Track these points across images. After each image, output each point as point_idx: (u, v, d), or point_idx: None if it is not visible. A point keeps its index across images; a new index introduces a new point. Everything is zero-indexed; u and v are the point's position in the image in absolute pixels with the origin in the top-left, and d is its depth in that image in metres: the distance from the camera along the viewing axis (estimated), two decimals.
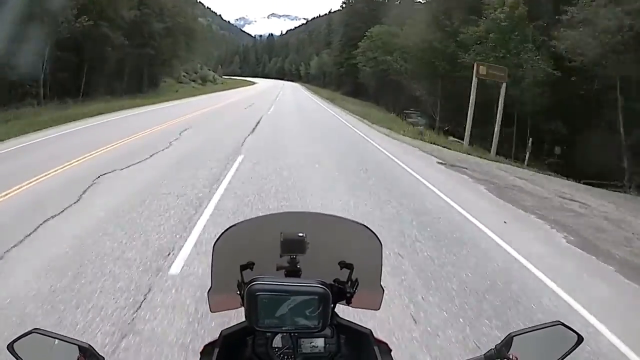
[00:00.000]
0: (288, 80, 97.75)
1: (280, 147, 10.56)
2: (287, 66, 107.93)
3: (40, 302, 3.06)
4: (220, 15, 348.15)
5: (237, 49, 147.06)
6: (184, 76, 48.74)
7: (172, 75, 42.27)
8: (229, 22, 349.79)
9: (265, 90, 47.28)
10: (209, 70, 69.45)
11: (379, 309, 1.05)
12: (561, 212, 7.05)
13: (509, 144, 18.11)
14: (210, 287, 0.99)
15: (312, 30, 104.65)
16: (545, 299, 3.73)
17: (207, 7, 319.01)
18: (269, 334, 0.96)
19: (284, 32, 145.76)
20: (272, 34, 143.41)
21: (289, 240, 0.90)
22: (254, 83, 73.92)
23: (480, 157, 13.80)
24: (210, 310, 1.04)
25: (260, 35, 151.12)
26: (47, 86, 17.85)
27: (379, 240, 0.99)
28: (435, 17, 22.76)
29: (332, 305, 0.87)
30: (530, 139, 16.02)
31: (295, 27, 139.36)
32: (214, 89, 45.28)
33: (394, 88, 29.38)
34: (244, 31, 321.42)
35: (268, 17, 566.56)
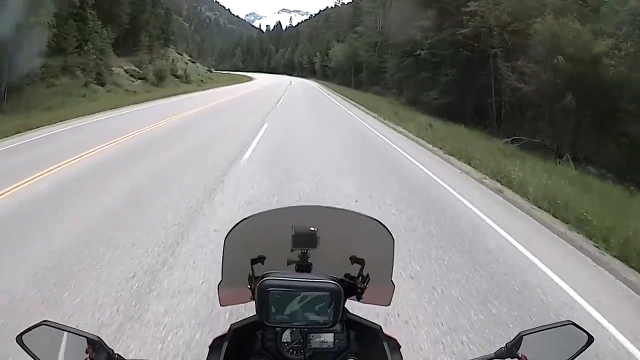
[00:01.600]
0: (298, 75, 76.87)
1: None
2: (297, 58, 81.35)
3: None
4: (229, 9, 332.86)
5: (239, 40, 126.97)
6: (124, 71, 29.71)
7: (87, 69, 23.42)
8: (238, 16, 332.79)
9: (247, 98, 23.66)
10: (190, 61, 50.85)
11: (389, 304, 1.02)
12: None
13: None
14: (221, 281, 0.96)
15: (329, 14, 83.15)
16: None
17: (216, 1, 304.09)
18: (278, 329, 0.94)
19: (293, 24, 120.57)
20: (280, 23, 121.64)
21: (300, 234, 0.88)
22: (250, 79, 54.96)
23: None
24: (220, 304, 1.00)
25: (267, 25, 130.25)
26: None
27: (391, 236, 0.96)
28: None
29: (343, 301, 0.83)
30: None
31: (305, 20, 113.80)
32: (166, 92, 25.82)
33: None
34: (253, 26, 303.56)
35: (278, 13, 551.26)
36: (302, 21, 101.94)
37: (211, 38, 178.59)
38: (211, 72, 58.75)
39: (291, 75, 79.53)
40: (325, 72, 58.71)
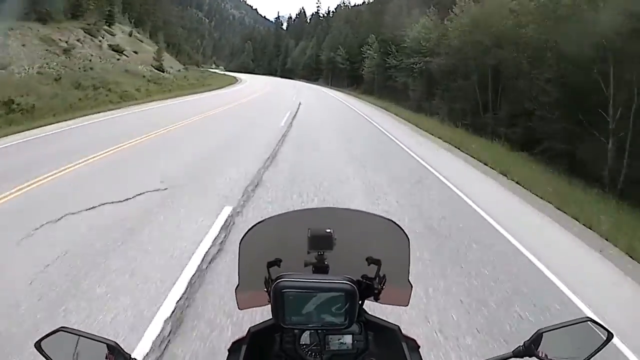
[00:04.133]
0: (325, 83, 48.17)
1: None
2: (325, 53, 49.24)
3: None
4: (256, 9, 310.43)
5: (250, 34, 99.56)
6: None
7: None
8: (264, 17, 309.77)
9: None
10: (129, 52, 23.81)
11: (407, 305, 1.02)
12: None
13: None
14: (238, 285, 0.97)
15: None
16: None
17: (243, 0, 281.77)
18: (296, 331, 0.94)
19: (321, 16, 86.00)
20: (303, 10, 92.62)
21: (317, 236, 0.88)
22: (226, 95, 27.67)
23: None
24: (238, 308, 1.01)
25: (290, 17, 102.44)
26: None
27: (407, 236, 0.97)
28: None
29: (360, 301, 0.85)
30: None
31: (330, 14, 79.09)
32: None
33: None
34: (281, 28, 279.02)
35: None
36: (333, 9, 73.46)
37: (233, 36, 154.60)
38: (179, 71, 33.88)
39: (315, 81, 50.79)
40: (384, 79, 29.41)
